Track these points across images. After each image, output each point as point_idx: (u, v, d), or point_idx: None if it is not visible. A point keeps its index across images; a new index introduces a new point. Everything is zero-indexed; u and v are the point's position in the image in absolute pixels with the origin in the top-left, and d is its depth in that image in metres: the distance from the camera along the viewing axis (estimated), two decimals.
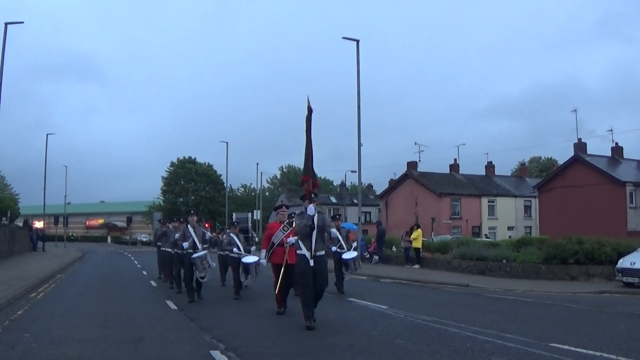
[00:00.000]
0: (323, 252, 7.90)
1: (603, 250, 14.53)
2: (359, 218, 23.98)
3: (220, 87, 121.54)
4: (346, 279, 12.26)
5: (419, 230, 21.02)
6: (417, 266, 20.19)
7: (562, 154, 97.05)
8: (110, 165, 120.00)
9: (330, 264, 9.32)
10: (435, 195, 43.75)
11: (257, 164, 64.97)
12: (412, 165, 46.62)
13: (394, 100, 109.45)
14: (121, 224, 78.22)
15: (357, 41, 23.29)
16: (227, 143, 47.37)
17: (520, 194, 46.80)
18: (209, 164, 65.10)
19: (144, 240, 62.39)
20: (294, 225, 8.59)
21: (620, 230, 25.61)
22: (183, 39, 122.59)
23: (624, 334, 7.33)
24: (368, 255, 23.19)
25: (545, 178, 39.55)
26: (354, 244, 13.18)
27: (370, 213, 57.84)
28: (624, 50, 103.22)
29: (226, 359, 5.86)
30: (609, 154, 36.13)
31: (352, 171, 42.27)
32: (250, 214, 43.67)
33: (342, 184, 57.94)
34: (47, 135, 44.22)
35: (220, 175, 61.79)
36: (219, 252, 14.02)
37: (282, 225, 9.44)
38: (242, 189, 74.28)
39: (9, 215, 31.40)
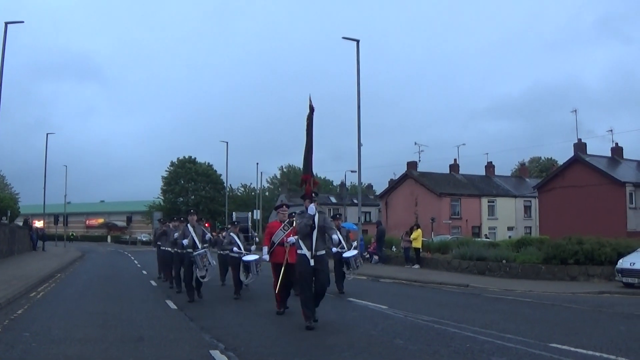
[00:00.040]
0: (324, 252, 7.87)
1: (603, 250, 14.53)
2: (358, 218, 24.01)
3: (220, 87, 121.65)
4: (349, 279, 12.22)
5: (419, 230, 21.03)
6: (417, 266, 20.19)
7: (562, 154, 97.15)
8: (110, 164, 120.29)
9: (330, 263, 9.32)
10: (435, 195, 43.75)
11: (257, 163, 65.20)
12: (412, 165, 46.62)
13: (394, 100, 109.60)
14: (121, 223, 78.35)
15: (357, 41, 23.32)
16: (227, 143, 47.50)
17: (520, 194, 46.81)
18: (209, 163, 65.25)
19: (144, 239, 62.44)
20: (294, 224, 8.58)
21: (620, 230, 25.61)
22: (183, 39, 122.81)
23: (624, 335, 7.33)
24: (368, 255, 23.18)
25: (545, 178, 39.55)
26: (354, 243, 13.17)
27: (370, 213, 57.84)
28: (624, 51, 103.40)
29: (226, 359, 5.86)
30: (609, 154, 36.14)
31: (352, 171, 42.41)
32: (250, 213, 43.68)
33: (342, 184, 57.98)
34: (47, 134, 44.43)
35: (220, 175, 61.91)
36: (218, 252, 14.03)
37: (283, 225, 9.43)
38: (242, 189, 74.31)
39: (9, 214, 31.43)
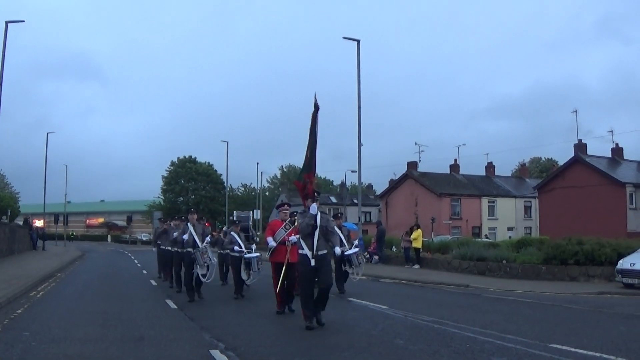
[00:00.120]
0: (325, 251, 7.83)
1: (603, 251, 14.53)
2: (359, 218, 24.02)
3: (220, 87, 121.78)
4: (354, 280, 12.20)
5: (419, 230, 21.02)
6: (417, 266, 20.19)
7: (562, 154, 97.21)
8: (111, 164, 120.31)
9: (332, 263, 9.30)
10: (435, 196, 43.75)
11: (257, 163, 65.35)
12: (412, 165, 46.62)
13: (394, 100, 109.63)
14: (121, 223, 78.36)
15: (358, 41, 23.33)
16: (227, 143, 47.51)
17: (520, 195, 46.80)
18: (209, 163, 65.24)
19: (144, 239, 62.48)
20: (296, 223, 8.56)
21: (620, 231, 25.60)
22: (183, 39, 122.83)
23: (624, 335, 7.34)
24: (368, 255, 23.18)
25: (545, 179, 39.55)
26: (355, 242, 13.17)
27: (370, 213, 57.86)
28: (624, 51, 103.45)
29: (226, 358, 5.86)
30: (609, 154, 36.14)
31: (352, 171, 42.35)
32: (251, 213, 43.69)
33: (342, 184, 58.05)
34: (47, 134, 44.45)
35: (221, 174, 61.91)
36: (219, 251, 14.02)
37: (284, 224, 9.42)
38: (242, 189, 74.33)
39: (9, 213, 31.44)
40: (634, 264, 12.85)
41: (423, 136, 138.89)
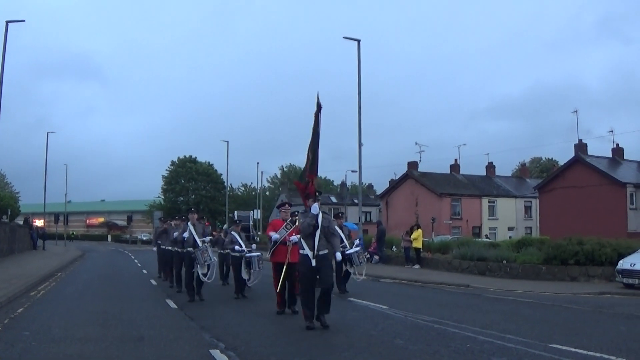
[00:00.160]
0: (326, 251, 7.79)
1: (603, 251, 14.52)
2: (359, 218, 24.02)
3: (220, 87, 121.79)
4: (358, 280, 12.19)
5: (419, 230, 21.02)
6: (417, 266, 20.19)
7: (563, 154, 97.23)
8: (111, 164, 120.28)
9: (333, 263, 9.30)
10: (435, 196, 43.75)
11: (258, 163, 65.36)
12: (412, 165, 46.63)
13: (394, 100, 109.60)
14: (121, 222, 78.40)
15: (359, 41, 23.31)
16: (227, 142, 47.51)
17: (520, 195, 46.80)
18: (209, 163, 65.25)
19: (144, 239, 62.49)
20: (297, 223, 8.54)
21: (621, 231, 25.59)
22: (183, 39, 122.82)
23: (624, 335, 7.33)
24: (368, 255, 23.16)
25: (545, 179, 39.55)
26: (356, 241, 13.18)
27: (370, 213, 57.86)
28: (624, 51, 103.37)
29: (226, 358, 5.85)
30: (609, 154, 36.12)
31: (352, 171, 42.40)
32: (251, 212, 43.66)
33: (343, 184, 58.05)
34: (47, 133, 44.40)
35: (221, 174, 61.96)
36: (219, 251, 14.02)
37: (285, 224, 9.40)
38: (243, 188, 74.37)
39: (9, 213, 31.44)
40: (634, 264, 12.85)
41: (423, 136, 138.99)
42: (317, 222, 7.71)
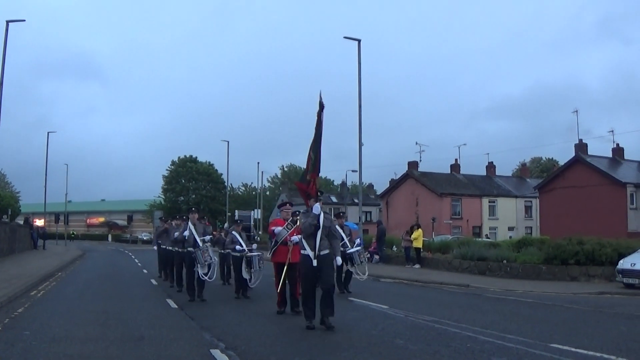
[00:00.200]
0: (327, 251, 7.76)
1: (603, 251, 14.53)
2: (359, 218, 24.00)
3: (220, 87, 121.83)
4: (361, 280, 12.18)
5: (420, 230, 21.02)
6: (417, 266, 20.19)
7: (563, 154, 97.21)
8: (111, 163, 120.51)
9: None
10: (436, 195, 43.76)
11: (258, 163, 65.42)
12: (412, 165, 46.63)
13: (394, 100, 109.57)
14: (122, 222, 78.40)
15: (359, 41, 23.28)
16: (227, 142, 47.47)
17: (520, 195, 46.80)
18: (209, 162, 65.22)
19: (145, 238, 62.49)
20: (298, 223, 8.53)
21: (621, 231, 25.61)
22: (183, 39, 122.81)
23: (625, 335, 7.33)
24: (368, 255, 23.15)
25: (546, 179, 39.55)
26: (357, 241, 13.20)
27: (370, 213, 57.87)
28: (624, 51, 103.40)
29: (226, 358, 5.85)
30: (609, 154, 36.12)
31: (352, 171, 42.32)
32: (252, 212, 43.66)
33: (343, 184, 58.07)
34: (48, 133, 44.33)
35: (221, 174, 61.93)
36: (220, 251, 14.01)
37: (286, 223, 9.40)
38: (243, 188, 74.37)
39: (9, 213, 31.46)
40: (634, 264, 12.85)
41: (423, 136, 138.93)
42: (318, 222, 7.68)
